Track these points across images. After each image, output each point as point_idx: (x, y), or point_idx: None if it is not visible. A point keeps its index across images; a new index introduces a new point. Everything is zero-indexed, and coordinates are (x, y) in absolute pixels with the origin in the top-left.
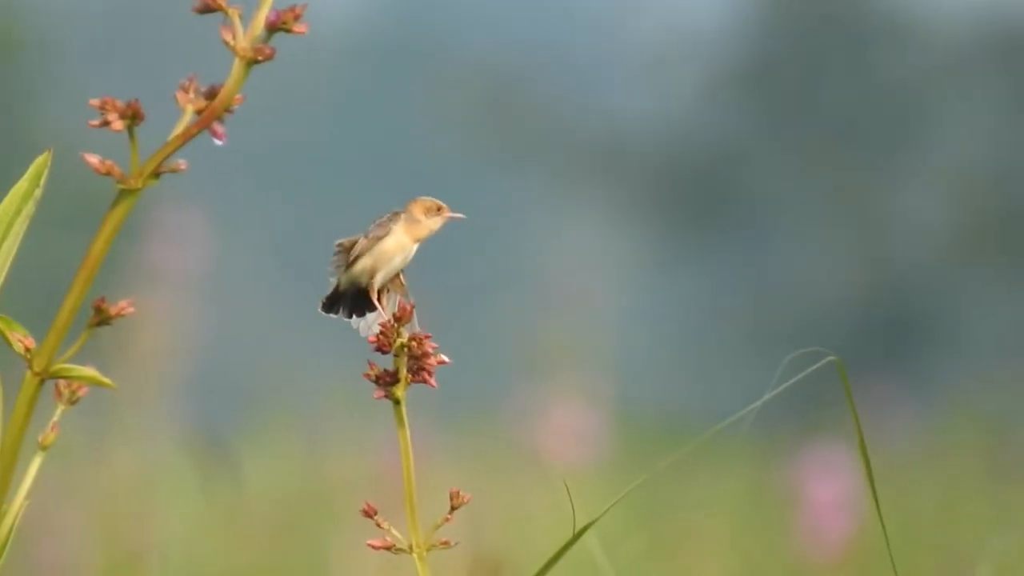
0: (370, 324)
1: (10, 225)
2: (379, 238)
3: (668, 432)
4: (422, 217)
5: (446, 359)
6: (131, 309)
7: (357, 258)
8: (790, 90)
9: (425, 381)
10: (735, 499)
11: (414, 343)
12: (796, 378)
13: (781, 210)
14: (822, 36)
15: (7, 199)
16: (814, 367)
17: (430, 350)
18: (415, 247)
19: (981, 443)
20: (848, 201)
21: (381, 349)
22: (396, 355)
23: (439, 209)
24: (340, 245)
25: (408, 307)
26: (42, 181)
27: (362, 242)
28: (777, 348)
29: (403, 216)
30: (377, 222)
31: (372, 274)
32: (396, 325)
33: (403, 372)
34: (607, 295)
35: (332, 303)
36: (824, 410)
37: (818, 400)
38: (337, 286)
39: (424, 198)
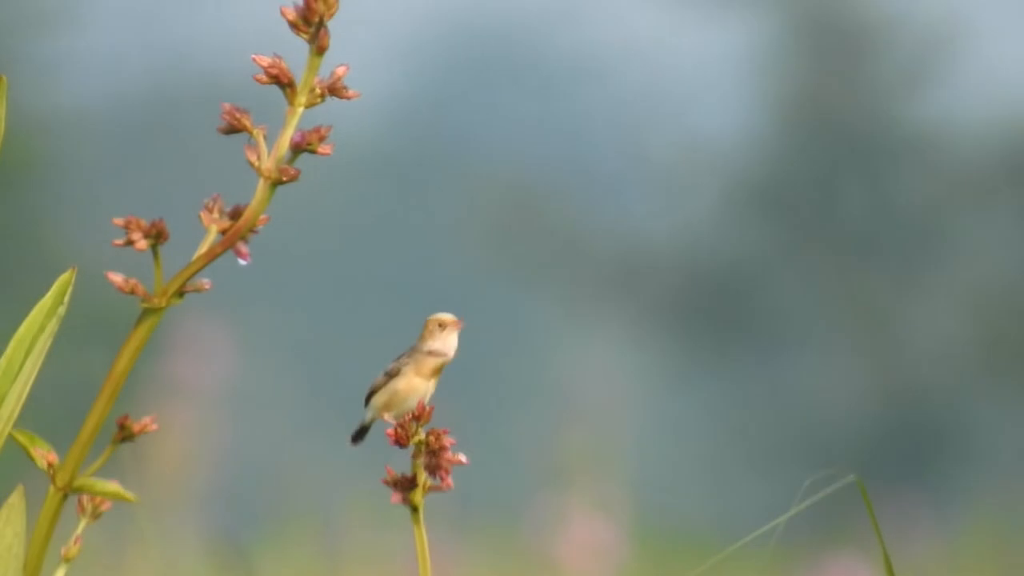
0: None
1: (33, 342)
2: (392, 378)
3: (686, 544)
4: (433, 338)
5: (463, 459)
6: (154, 426)
7: (373, 393)
8: (808, 204)
9: (442, 480)
10: None
11: (432, 438)
12: (817, 497)
13: (800, 324)
14: (840, 151)
15: (31, 316)
16: (836, 486)
17: (447, 444)
18: (432, 383)
19: (1001, 555)
20: (867, 315)
21: (399, 442)
22: (414, 453)
23: (441, 325)
24: (371, 389)
25: (427, 408)
26: (66, 298)
27: (379, 379)
28: (797, 461)
29: (415, 355)
30: (397, 357)
31: (388, 411)
32: (414, 423)
33: (421, 477)
34: (626, 408)
35: (360, 436)
36: (843, 522)
37: (837, 513)
38: (363, 422)
39: (430, 318)
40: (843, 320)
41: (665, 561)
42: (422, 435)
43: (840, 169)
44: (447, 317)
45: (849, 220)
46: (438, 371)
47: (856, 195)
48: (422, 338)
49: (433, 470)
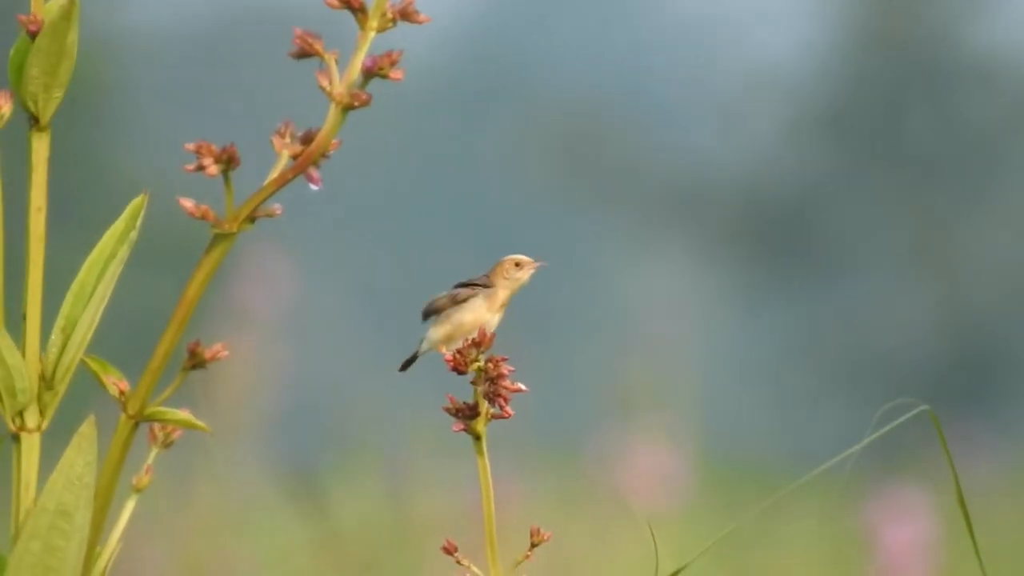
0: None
1: (105, 266)
2: (460, 306)
3: (750, 473)
4: (506, 277)
5: (523, 387)
6: (225, 353)
7: (437, 324)
8: (872, 130)
9: (501, 408)
10: (814, 540)
11: (490, 364)
12: (890, 427)
13: (864, 251)
14: (904, 77)
15: (102, 241)
16: (907, 416)
17: (505, 372)
18: (498, 317)
19: None
20: (932, 242)
21: (457, 369)
22: (474, 380)
23: (518, 265)
24: (429, 306)
25: (488, 334)
26: (138, 223)
27: (442, 299)
28: (859, 389)
29: (486, 290)
30: (461, 287)
31: (449, 343)
32: (474, 349)
33: (483, 405)
34: (689, 336)
35: (410, 363)
36: (904, 452)
37: (898, 442)
38: (418, 350)
39: (510, 259)
40: (909, 247)
41: (731, 491)
42: (481, 362)
43: (905, 93)
44: (525, 258)
45: (914, 144)
46: (506, 303)
47: (921, 119)
48: (494, 274)
49: (492, 398)
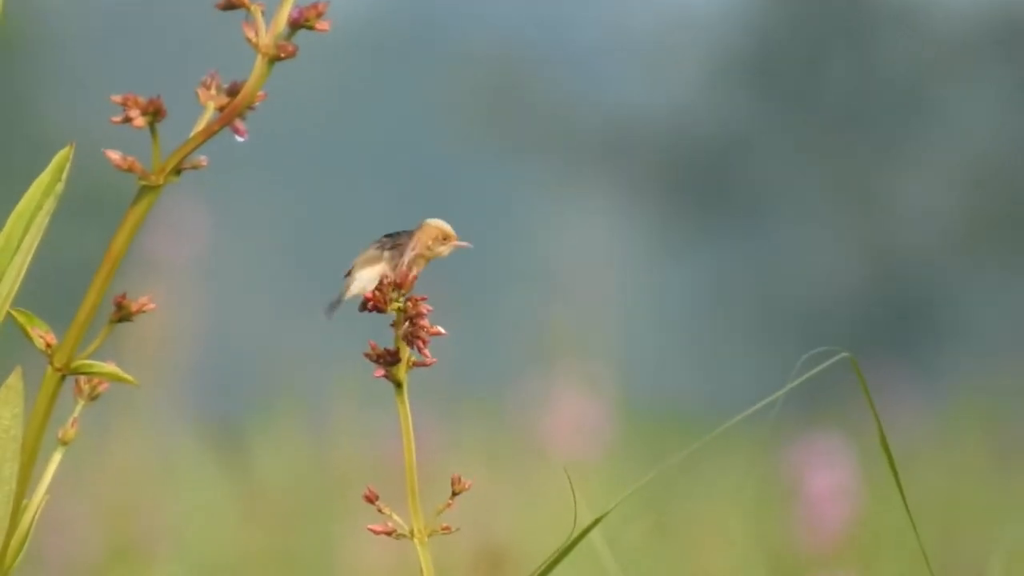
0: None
1: (31, 219)
2: (366, 266)
3: (671, 421)
4: (427, 246)
5: (442, 330)
6: (152, 305)
7: (351, 282)
8: (793, 77)
9: (420, 351)
10: (736, 488)
11: (409, 304)
12: (810, 373)
13: (785, 198)
14: (825, 23)
15: (28, 193)
16: (829, 363)
17: (424, 311)
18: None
19: (987, 432)
20: (852, 188)
21: (376, 307)
22: (394, 323)
23: (446, 238)
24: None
25: (409, 275)
26: (64, 175)
27: (373, 252)
28: (781, 336)
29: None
30: (391, 244)
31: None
32: (395, 290)
33: (404, 352)
34: (612, 284)
35: (334, 308)
36: (825, 399)
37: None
38: (341, 294)
39: (433, 223)
40: (830, 193)
41: (652, 439)
42: (401, 302)
43: (826, 40)
44: (450, 229)
45: (835, 91)
46: (416, 273)
47: (842, 66)
48: (423, 236)
49: (411, 340)
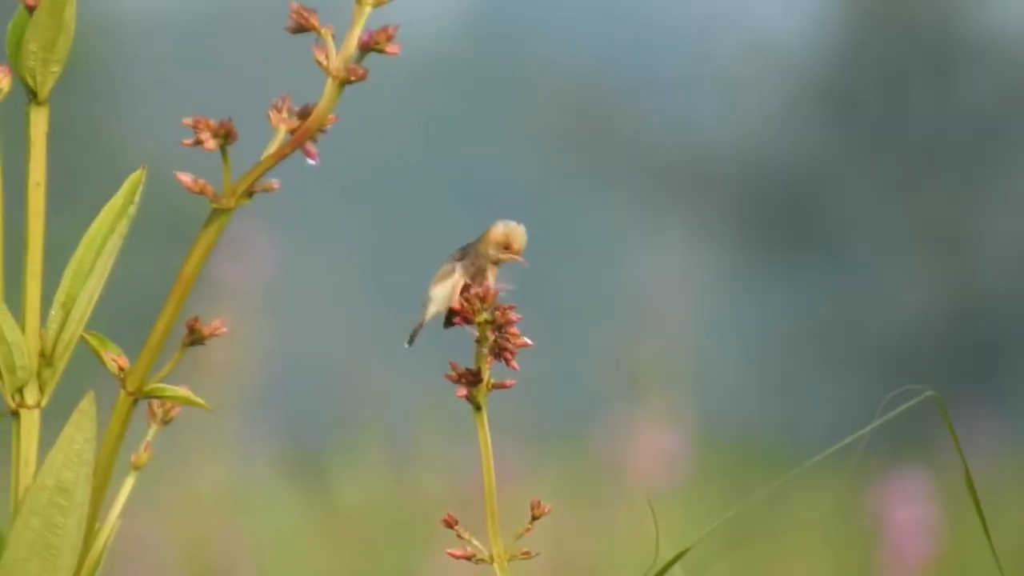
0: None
1: (104, 242)
2: (441, 281)
3: (750, 453)
4: (492, 252)
5: (529, 341)
6: (224, 329)
7: (428, 304)
8: (875, 109)
9: (507, 362)
10: (818, 523)
11: (498, 313)
12: (896, 412)
13: (866, 231)
14: (908, 54)
15: (100, 216)
16: (914, 402)
17: (514, 319)
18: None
19: None
20: (934, 222)
21: (465, 316)
22: (478, 339)
23: (507, 247)
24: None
25: (493, 290)
26: (136, 198)
27: (446, 267)
28: (861, 370)
29: (467, 259)
30: (456, 257)
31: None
32: (480, 303)
33: (485, 371)
34: (691, 315)
35: (415, 336)
36: (908, 435)
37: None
38: (421, 321)
39: (500, 228)
40: (912, 227)
41: (733, 472)
42: (487, 315)
43: (908, 72)
44: (516, 240)
45: (917, 124)
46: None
47: (924, 99)
48: (487, 242)
49: (499, 352)
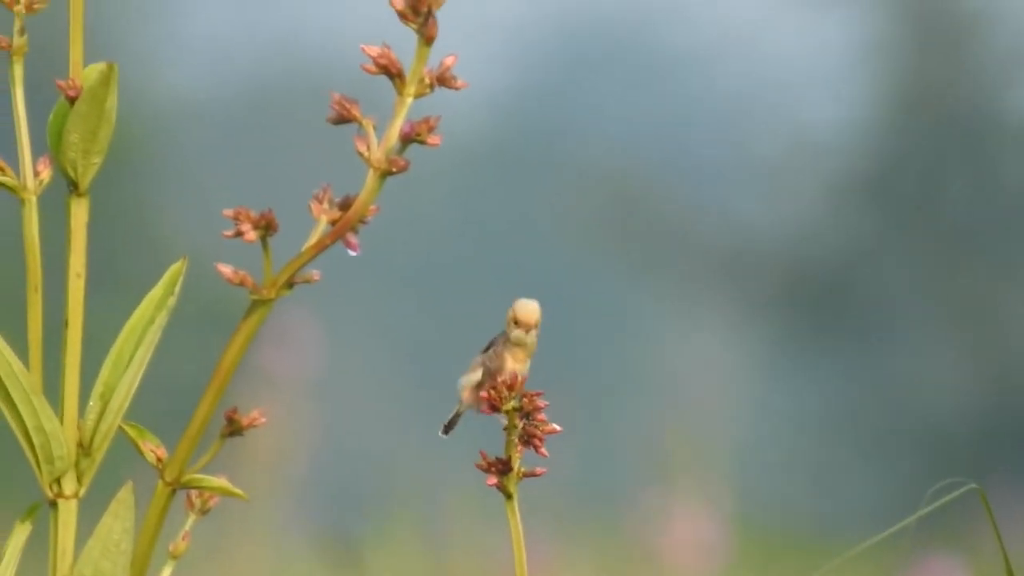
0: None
1: (143, 333)
2: (491, 370)
3: (787, 539)
4: (511, 333)
5: (557, 427)
6: (263, 419)
7: (461, 396)
8: (913, 196)
9: (536, 449)
10: None
11: (525, 400)
12: (939, 503)
13: (905, 318)
14: (946, 142)
15: (140, 308)
16: (957, 494)
17: (541, 406)
18: (527, 366)
19: None
20: (973, 309)
21: (492, 405)
22: (506, 427)
23: (516, 322)
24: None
25: (519, 377)
26: (176, 289)
27: (468, 375)
28: (898, 456)
29: (492, 350)
30: (488, 349)
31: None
32: (508, 391)
33: (515, 460)
34: (730, 401)
35: (451, 426)
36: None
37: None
38: (457, 411)
39: (512, 307)
40: (950, 314)
41: (770, 556)
42: (515, 402)
43: (945, 161)
44: (525, 315)
45: (956, 210)
46: (530, 355)
47: (962, 185)
48: (507, 325)
49: (528, 439)
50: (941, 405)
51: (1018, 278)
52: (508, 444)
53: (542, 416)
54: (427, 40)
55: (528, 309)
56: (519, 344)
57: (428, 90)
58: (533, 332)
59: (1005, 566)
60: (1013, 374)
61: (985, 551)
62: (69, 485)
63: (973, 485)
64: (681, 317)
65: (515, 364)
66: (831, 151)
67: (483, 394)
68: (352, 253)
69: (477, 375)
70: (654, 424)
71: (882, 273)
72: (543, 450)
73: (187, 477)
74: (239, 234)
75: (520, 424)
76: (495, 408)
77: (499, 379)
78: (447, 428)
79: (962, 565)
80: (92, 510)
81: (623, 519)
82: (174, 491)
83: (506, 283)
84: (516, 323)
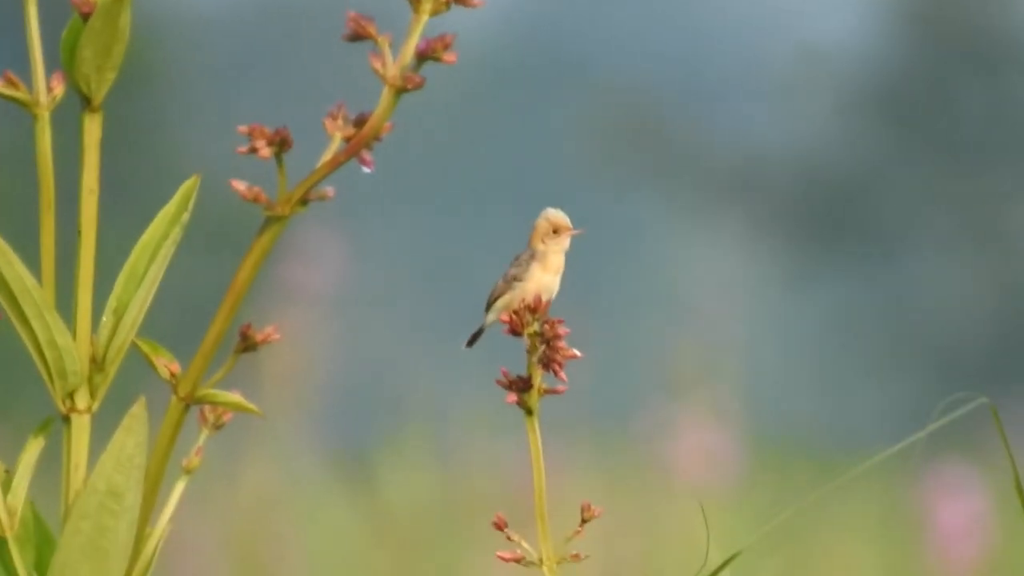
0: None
1: (157, 249)
2: (519, 280)
3: (797, 452)
4: (544, 242)
5: (578, 352)
6: (277, 335)
7: (498, 299)
8: (924, 111)
9: (556, 374)
10: (865, 521)
11: (547, 327)
12: (950, 418)
13: (916, 231)
14: (956, 56)
15: (154, 224)
16: (967, 408)
17: (562, 333)
18: (557, 280)
19: None
20: (985, 223)
21: (514, 330)
22: (528, 349)
23: (556, 230)
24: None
25: (544, 300)
26: (190, 205)
27: (500, 284)
28: (910, 370)
29: (536, 254)
30: (516, 262)
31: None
32: (530, 314)
33: (536, 378)
34: (740, 314)
35: (475, 339)
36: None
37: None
38: (482, 326)
39: (544, 220)
40: (961, 228)
41: (779, 469)
42: (537, 326)
43: (957, 75)
44: (561, 220)
45: (967, 125)
46: (561, 266)
47: (973, 99)
48: (536, 236)
49: (547, 363)
50: (952, 319)
51: None
52: (530, 365)
53: (562, 343)
54: None
55: (561, 214)
56: (557, 252)
57: (444, 7)
58: (567, 238)
59: (1014, 478)
60: (1021, 289)
61: (996, 464)
62: (82, 400)
63: (984, 399)
64: (692, 231)
65: (544, 275)
66: (842, 66)
67: (504, 317)
68: (366, 170)
69: (507, 296)
70: (665, 337)
71: (894, 187)
72: (562, 375)
73: (201, 392)
74: (253, 150)
75: (541, 348)
76: (516, 332)
77: (523, 302)
78: (471, 341)
79: (974, 477)
80: (105, 425)
81: (635, 431)
82: (188, 407)
83: (520, 199)
84: (555, 231)
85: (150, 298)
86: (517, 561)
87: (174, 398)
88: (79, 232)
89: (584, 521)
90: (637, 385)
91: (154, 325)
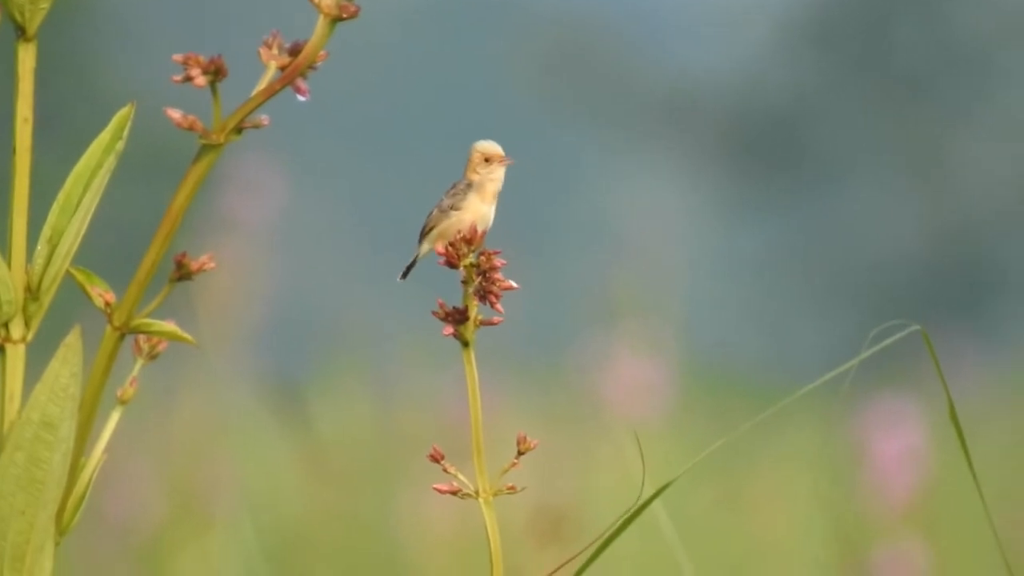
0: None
1: (91, 178)
2: (455, 209)
3: (733, 384)
4: (477, 172)
5: (514, 284)
6: (212, 264)
7: (433, 229)
8: (862, 41)
9: (492, 305)
10: (800, 452)
11: (483, 258)
12: (882, 345)
13: (852, 163)
14: None
15: (88, 152)
16: (900, 336)
17: (498, 264)
18: (492, 209)
19: None
20: (920, 154)
21: (450, 262)
22: (464, 279)
23: (488, 159)
24: (425, 226)
25: (479, 231)
26: (124, 134)
27: (436, 214)
28: (846, 300)
29: (473, 183)
30: (451, 191)
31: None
32: (466, 245)
33: (472, 309)
34: (676, 247)
35: (409, 270)
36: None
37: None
38: (416, 256)
39: (476, 150)
40: (897, 160)
41: (715, 402)
42: (473, 258)
43: (894, 5)
44: (493, 149)
45: (904, 56)
46: (496, 194)
47: (911, 30)
48: (470, 167)
49: (484, 294)
50: (889, 249)
51: (965, 125)
52: (466, 296)
53: (498, 275)
54: None
55: (493, 144)
56: (493, 181)
57: None
58: (501, 168)
59: (949, 406)
60: (959, 219)
61: (935, 391)
62: (17, 329)
63: (916, 327)
64: (627, 164)
65: (482, 205)
66: None
67: (439, 248)
68: (301, 99)
69: (442, 224)
70: (600, 270)
71: (829, 119)
72: (499, 306)
73: (136, 322)
74: (188, 79)
75: (477, 280)
76: (452, 264)
77: (458, 232)
78: (405, 273)
79: (910, 405)
80: (40, 355)
81: (569, 363)
82: (122, 336)
83: (450, 128)
84: (487, 160)
85: (85, 227)
86: (453, 493)
87: (109, 327)
88: (13, 161)
89: (520, 453)
90: (573, 317)
91: (89, 254)
